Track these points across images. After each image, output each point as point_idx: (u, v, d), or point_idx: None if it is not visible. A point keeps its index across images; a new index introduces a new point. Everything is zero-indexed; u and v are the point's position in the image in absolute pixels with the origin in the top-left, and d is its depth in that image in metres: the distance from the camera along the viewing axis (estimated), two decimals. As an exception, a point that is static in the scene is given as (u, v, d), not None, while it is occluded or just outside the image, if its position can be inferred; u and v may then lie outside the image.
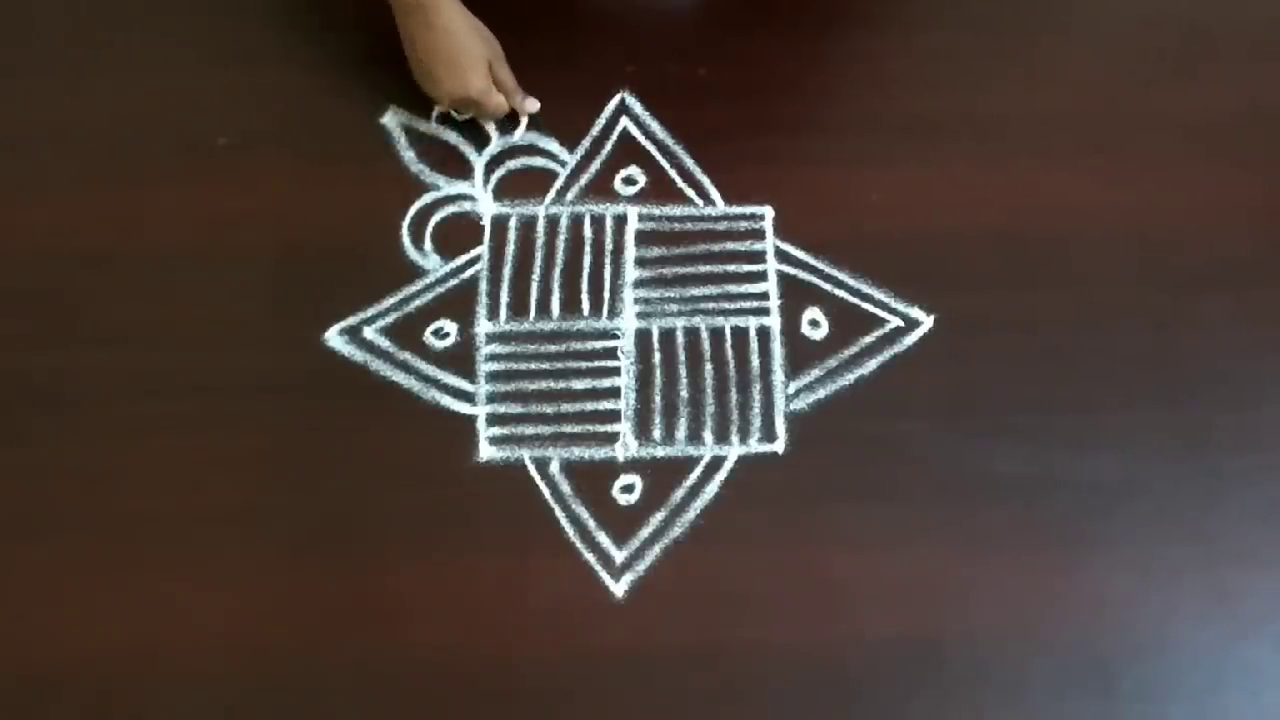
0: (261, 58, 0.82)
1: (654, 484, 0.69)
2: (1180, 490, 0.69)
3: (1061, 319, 0.74)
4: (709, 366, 0.73)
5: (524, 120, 0.79)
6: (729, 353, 0.73)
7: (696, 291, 0.75)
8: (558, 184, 0.78)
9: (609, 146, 0.80)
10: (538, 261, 0.76)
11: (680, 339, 0.73)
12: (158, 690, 0.64)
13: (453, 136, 0.80)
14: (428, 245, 0.76)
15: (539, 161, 0.79)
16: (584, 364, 0.73)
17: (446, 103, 0.77)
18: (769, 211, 0.77)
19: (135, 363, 0.72)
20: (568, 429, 0.71)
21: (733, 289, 0.75)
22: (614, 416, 0.71)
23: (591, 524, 0.68)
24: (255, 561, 0.67)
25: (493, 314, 0.74)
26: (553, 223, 0.77)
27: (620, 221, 0.77)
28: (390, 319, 0.74)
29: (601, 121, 0.81)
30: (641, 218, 0.77)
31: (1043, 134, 0.80)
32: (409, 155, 0.79)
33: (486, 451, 0.70)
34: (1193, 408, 0.72)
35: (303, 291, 0.74)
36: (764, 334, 0.74)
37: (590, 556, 0.67)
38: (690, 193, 0.78)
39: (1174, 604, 0.67)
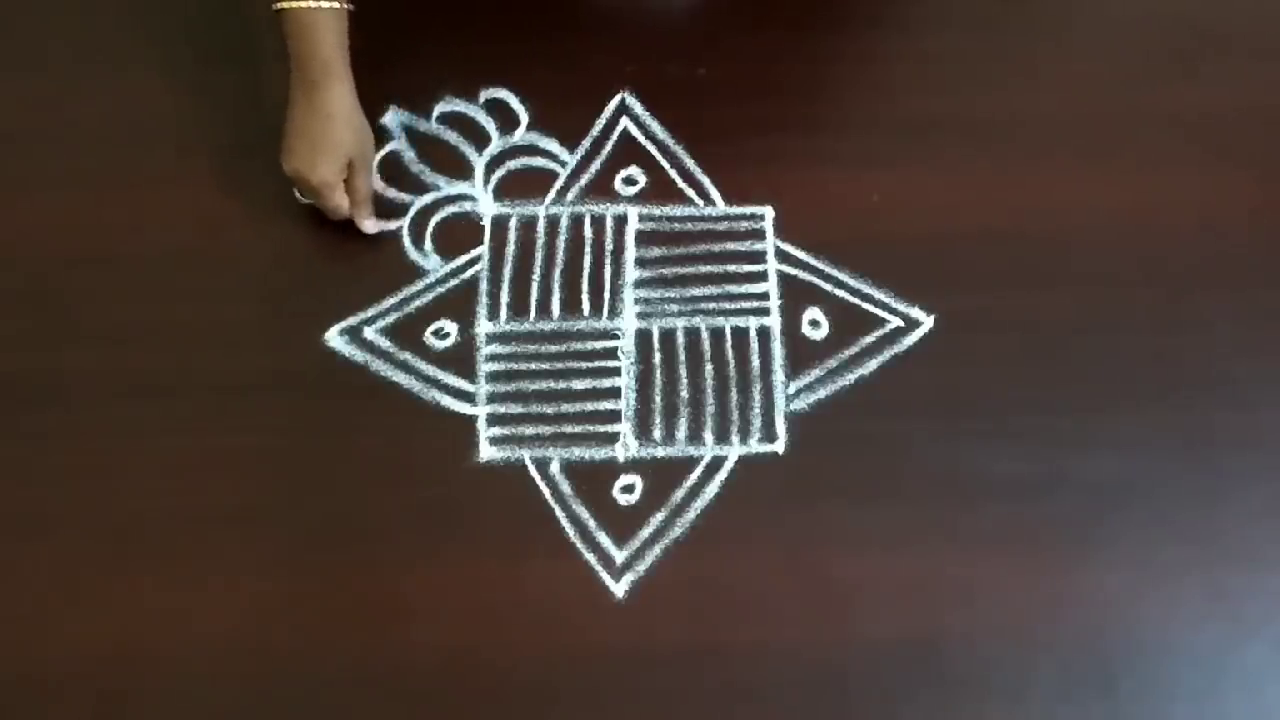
0: (261, 58, 0.82)
1: (654, 484, 0.69)
2: (1180, 490, 0.69)
3: (1061, 319, 0.74)
4: (709, 367, 0.73)
5: (367, 228, 0.75)
6: (729, 353, 0.73)
7: (697, 291, 0.75)
8: (558, 184, 0.78)
9: (609, 146, 0.80)
10: (538, 262, 0.76)
11: (680, 339, 0.73)
12: (158, 690, 0.64)
13: (453, 136, 0.80)
14: (428, 245, 0.76)
15: (539, 161, 0.79)
16: (584, 364, 0.73)
17: (290, 175, 0.73)
18: (769, 211, 0.77)
19: (135, 363, 0.72)
20: (568, 429, 0.71)
21: (733, 289, 0.75)
22: (614, 417, 0.71)
23: (592, 524, 0.68)
24: (255, 561, 0.67)
25: (493, 314, 0.74)
26: (553, 223, 0.77)
27: (620, 221, 0.77)
28: (390, 319, 0.74)
29: (601, 121, 0.81)
30: (642, 218, 0.77)
31: (1043, 134, 0.80)
32: (409, 155, 0.79)
33: (487, 451, 0.70)
34: (1193, 408, 0.72)
35: (303, 291, 0.74)
36: (764, 334, 0.74)
37: (590, 556, 0.67)
38: (690, 193, 0.78)
39: (1175, 604, 0.67)
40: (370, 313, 0.74)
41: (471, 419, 0.71)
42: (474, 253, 0.76)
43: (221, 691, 0.64)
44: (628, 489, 0.69)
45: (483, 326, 0.74)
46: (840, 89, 0.84)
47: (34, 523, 0.68)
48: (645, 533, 0.68)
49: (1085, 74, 0.83)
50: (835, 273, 0.76)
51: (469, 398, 0.72)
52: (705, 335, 0.74)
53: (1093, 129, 0.81)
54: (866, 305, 0.75)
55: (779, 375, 0.73)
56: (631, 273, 0.75)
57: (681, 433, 0.71)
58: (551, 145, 0.80)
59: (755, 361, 0.73)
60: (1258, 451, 0.71)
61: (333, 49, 0.72)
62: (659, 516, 0.68)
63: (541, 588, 0.67)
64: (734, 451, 0.70)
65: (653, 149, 0.80)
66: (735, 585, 0.67)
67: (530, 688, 0.64)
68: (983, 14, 0.86)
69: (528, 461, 0.70)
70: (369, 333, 0.73)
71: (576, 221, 0.77)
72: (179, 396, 0.71)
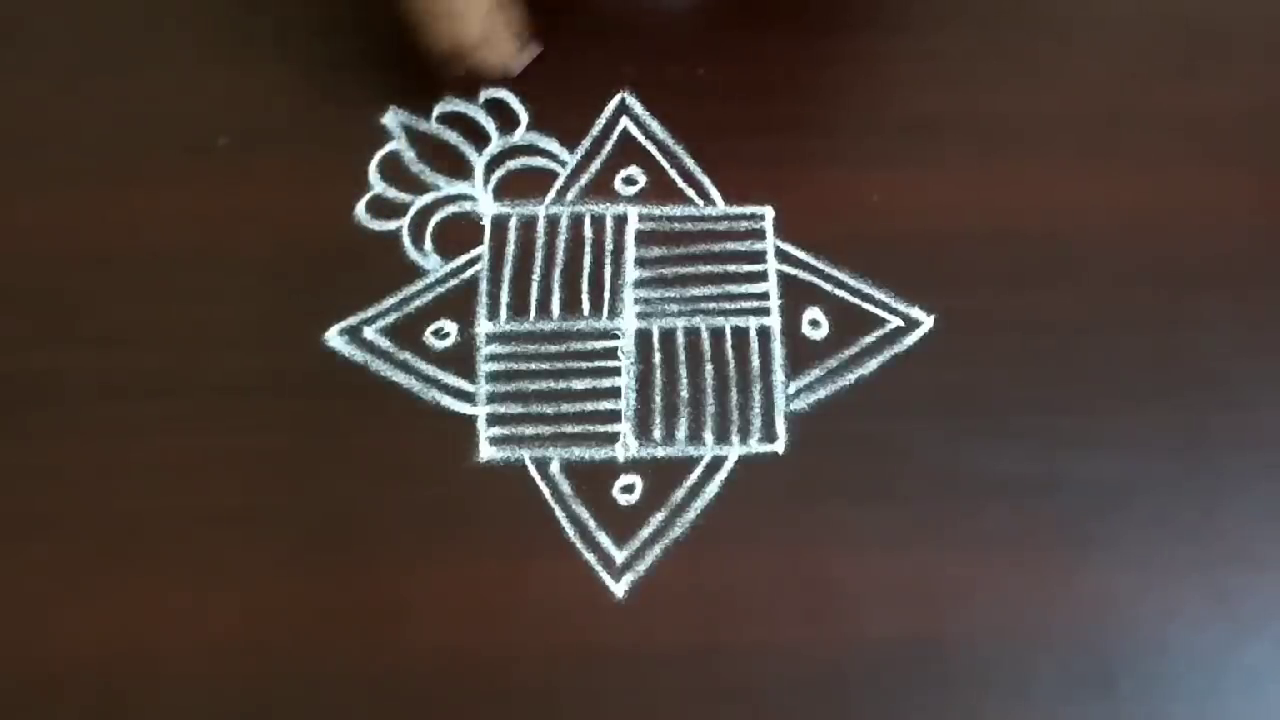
0: (261, 58, 0.82)
1: (654, 484, 0.69)
2: (1181, 490, 0.69)
3: (1061, 319, 0.74)
4: (709, 366, 0.73)
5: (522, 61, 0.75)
6: (729, 353, 0.73)
7: (697, 291, 0.75)
8: (558, 184, 0.78)
9: (609, 146, 0.80)
10: (538, 261, 0.76)
11: (680, 339, 0.74)
12: (158, 690, 0.64)
13: (453, 136, 0.80)
14: (428, 245, 0.76)
15: (539, 161, 0.79)
16: (584, 364, 0.73)
17: (447, 54, 0.74)
18: (769, 211, 0.78)
19: (135, 363, 0.72)
20: (568, 429, 0.71)
21: (733, 289, 0.75)
22: (614, 416, 0.71)
23: (592, 524, 0.68)
24: (255, 561, 0.67)
25: (493, 314, 0.74)
26: (553, 223, 0.77)
27: (620, 221, 0.77)
28: (390, 319, 0.74)
29: (601, 121, 0.81)
30: (642, 218, 0.77)
31: (1043, 134, 0.81)
32: (409, 155, 0.79)
33: (486, 451, 0.70)
34: (1193, 408, 0.72)
35: (303, 291, 0.74)
36: (764, 334, 0.74)
37: (590, 556, 0.67)
38: (690, 193, 0.78)
39: (1174, 604, 0.67)
40: (370, 313, 0.74)
41: (471, 419, 0.71)
42: (474, 252, 0.76)
43: (221, 691, 0.64)
44: (628, 489, 0.69)
45: (483, 326, 0.74)
46: (841, 89, 0.84)
47: (34, 523, 0.68)
48: (645, 533, 0.68)
49: (1085, 74, 0.83)
50: (835, 273, 0.76)
51: (469, 398, 0.72)
52: (705, 335, 0.74)
53: (1093, 129, 0.81)
54: (866, 305, 0.75)
55: (779, 375, 0.73)
56: (631, 273, 0.75)
57: (681, 433, 0.71)
58: (551, 145, 0.80)
59: (755, 361, 0.73)
60: (1257, 451, 0.71)
61: None
62: (659, 516, 0.68)
63: (541, 588, 0.67)
64: (734, 451, 0.70)
65: (653, 149, 0.80)
66: (735, 585, 0.67)
67: (530, 688, 0.64)
68: (983, 13, 0.86)
69: (528, 461, 0.70)
70: (369, 333, 0.73)
71: (576, 221, 0.77)
72: (179, 396, 0.71)
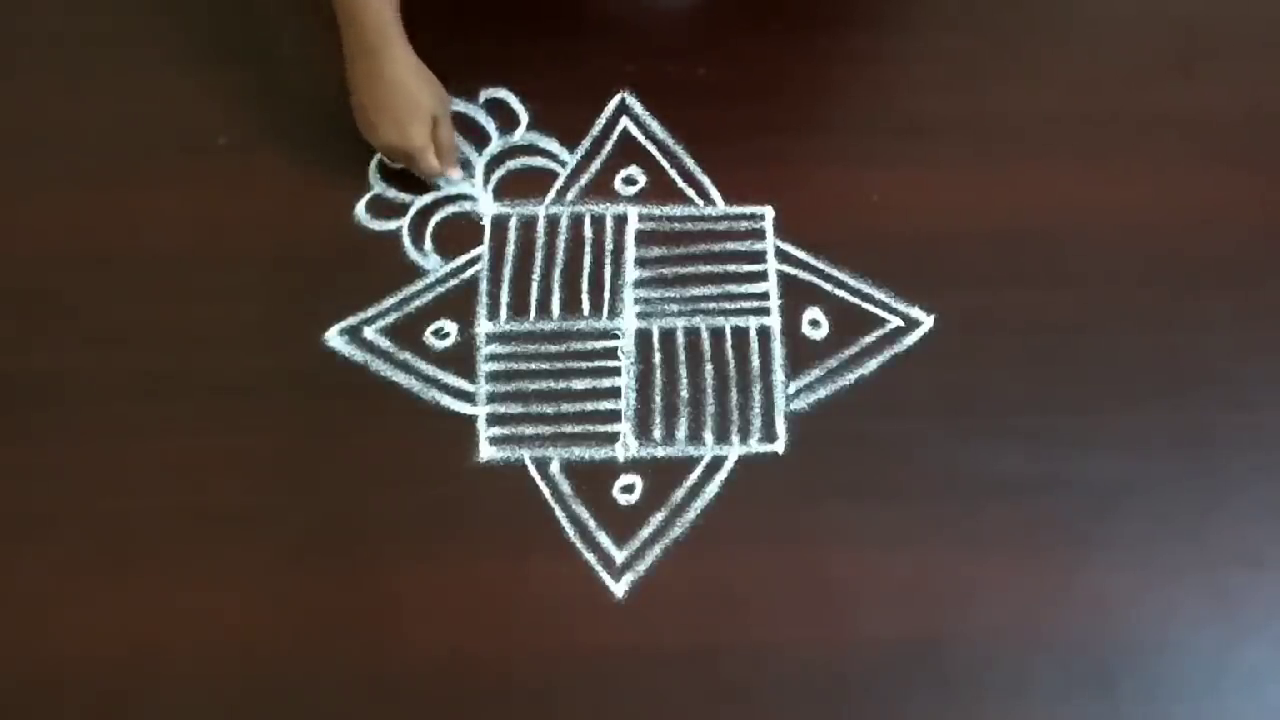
0: (261, 58, 0.82)
1: (654, 484, 0.69)
2: (1180, 490, 0.69)
3: (1062, 319, 0.74)
4: (709, 366, 0.73)
5: (454, 177, 0.77)
6: (729, 353, 0.73)
7: (697, 291, 0.75)
8: (558, 184, 0.78)
9: (609, 146, 0.80)
10: (538, 261, 0.76)
11: (680, 339, 0.74)
12: (158, 690, 0.64)
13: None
14: (428, 245, 0.76)
15: (539, 161, 0.79)
16: (584, 364, 0.73)
17: (381, 150, 0.76)
18: (769, 211, 0.78)
19: (135, 363, 0.72)
20: (568, 429, 0.71)
21: (733, 289, 0.75)
22: (614, 416, 0.71)
23: (592, 524, 0.68)
24: (255, 561, 0.67)
25: (493, 314, 0.74)
26: (553, 223, 0.77)
27: (620, 221, 0.77)
28: (390, 319, 0.74)
29: (601, 121, 0.81)
30: (641, 218, 0.77)
31: (1043, 134, 0.81)
32: (409, 155, 0.79)
33: (487, 451, 0.70)
34: (1193, 408, 0.72)
35: (303, 291, 0.74)
36: (764, 334, 0.74)
37: (590, 556, 0.67)
38: (690, 193, 0.78)
39: (1174, 604, 0.67)
40: (370, 313, 0.74)
41: (471, 419, 0.71)
42: (474, 252, 0.76)
43: (221, 691, 0.64)
44: (628, 489, 0.69)
45: (483, 326, 0.74)
46: (840, 89, 0.84)
47: (34, 523, 0.68)
48: (645, 533, 0.68)
49: (1085, 74, 0.83)
50: (835, 273, 0.76)
51: (469, 398, 0.72)
52: (705, 335, 0.74)
53: (1093, 129, 0.81)
54: (866, 305, 0.75)
55: (779, 375, 0.73)
56: (631, 272, 0.75)
57: (681, 433, 0.71)
58: (551, 145, 0.80)
59: (755, 361, 0.73)
60: (1258, 451, 0.71)
61: (386, 10, 0.71)
62: (659, 516, 0.68)
63: (541, 587, 0.67)
64: (734, 451, 0.70)
65: (653, 149, 0.80)
66: (735, 585, 0.67)
67: (530, 688, 0.64)
68: (983, 14, 0.86)
69: (528, 461, 0.70)
70: (369, 333, 0.73)
71: (576, 221, 0.77)
72: (179, 396, 0.71)
